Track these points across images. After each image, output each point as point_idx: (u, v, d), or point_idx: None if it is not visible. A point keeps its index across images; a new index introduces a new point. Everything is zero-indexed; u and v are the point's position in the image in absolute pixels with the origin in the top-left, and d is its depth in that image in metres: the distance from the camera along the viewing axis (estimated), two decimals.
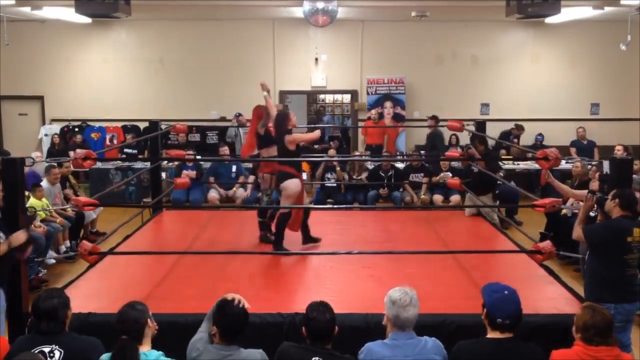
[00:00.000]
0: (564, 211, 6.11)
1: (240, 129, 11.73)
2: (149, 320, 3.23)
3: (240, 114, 11.38)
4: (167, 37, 12.57)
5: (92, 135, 12.43)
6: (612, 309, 4.15)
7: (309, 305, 3.31)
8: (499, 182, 8.11)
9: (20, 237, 4.49)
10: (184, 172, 9.90)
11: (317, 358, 3.15)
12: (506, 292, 3.24)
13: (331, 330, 3.25)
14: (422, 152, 11.71)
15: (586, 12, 10.50)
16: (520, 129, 12.04)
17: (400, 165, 10.71)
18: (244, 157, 6.34)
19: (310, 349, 3.22)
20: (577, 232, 4.58)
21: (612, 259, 4.34)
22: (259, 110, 6.51)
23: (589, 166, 7.49)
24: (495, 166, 8.44)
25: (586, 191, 6.09)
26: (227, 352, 3.23)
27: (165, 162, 10.10)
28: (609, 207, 4.49)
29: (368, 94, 12.42)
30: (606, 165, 7.24)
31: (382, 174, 10.22)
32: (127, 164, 11.10)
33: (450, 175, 9.91)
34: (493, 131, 10.19)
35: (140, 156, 11.84)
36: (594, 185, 5.67)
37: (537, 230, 8.01)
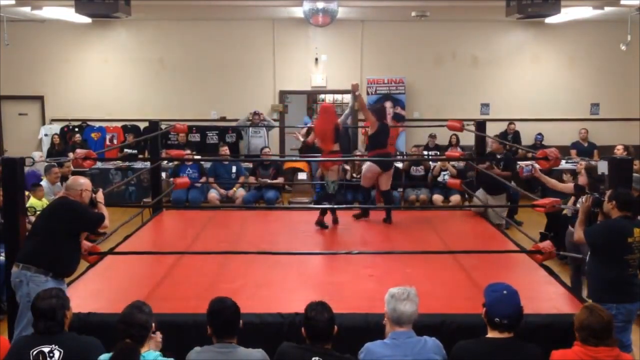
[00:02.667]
0: (565, 211, 6.12)
1: (250, 128, 11.79)
2: (153, 324, 3.23)
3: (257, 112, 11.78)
4: (167, 37, 12.57)
5: (92, 135, 12.43)
6: (614, 309, 4.15)
7: (307, 305, 3.31)
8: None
9: (101, 194, 4.88)
10: (182, 175, 9.80)
11: (316, 358, 3.15)
12: (505, 292, 3.24)
13: (330, 330, 3.25)
14: (426, 152, 11.69)
15: (586, 12, 10.50)
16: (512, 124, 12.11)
17: (399, 165, 10.70)
18: (328, 151, 7.07)
19: (309, 349, 3.22)
20: (579, 234, 4.58)
21: (613, 259, 4.34)
22: (333, 109, 7.37)
23: (581, 162, 7.50)
24: (514, 168, 8.52)
25: (572, 184, 6.10)
26: (226, 349, 3.23)
27: (165, 162, 10.09)
28: (607, 208, 4.49)
29: (368, 94, 12.42)
30: (602, 165, 7.24)
31: None
32: (127, 163, 11.10)
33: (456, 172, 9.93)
34: (493, 131, 10.18)
35: (140, 156, 11.85)
36: (581, 179, 5.68)
37: (537, 230, 8.01)
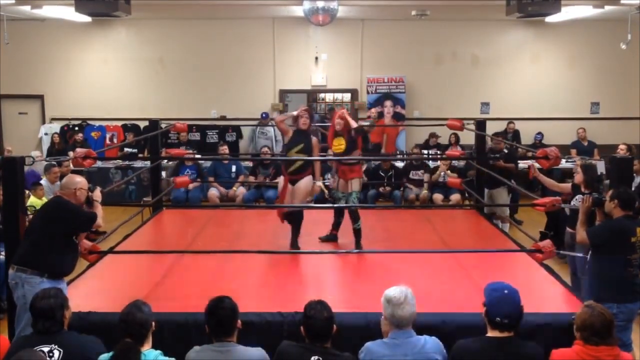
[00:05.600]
0: (566, 210, 6.11)
1: (258, 128, 11.73)
2: (153, 322, 3.23)
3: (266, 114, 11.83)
4: (167, 36, 12.57)
5: (92, 134, 12.43)
6: (615, 308, 4.16)
7: (307, 304, 3.31)
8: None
9: (98, 193, 4.78)
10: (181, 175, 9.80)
11: (316, 357, 3.15)
12: (506, 291, 3.24)
13: (329, 329, 3.24)
14: (425, 151, 11.71)
15: (586, 11, 10.49)
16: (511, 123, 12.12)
17: (400, 164, 10.71)
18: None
19: (309, 348, 3.22)
20: (581, 235, 4.57)
21: (616, 259, 4.34)
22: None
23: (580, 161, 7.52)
24: (516, 162, 8.69)
25: (569, 184, 6.08)
26: (225, 348, 3.23)
27: (165, 161, 10.09)
28: (609, 208, 4.49)
29: (368, 92, 12.42)
30: (600, 165, 7.22)
31: (382, 174, 10.22)
32: (127, 163, 11.10)
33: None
34: (493, 130, 10.17)
35: (140, 155, 11.84)
36: (577, 178, 5.66)
37: (537, 229, 8.02)
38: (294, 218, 6.02)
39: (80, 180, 4.57)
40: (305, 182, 5.99)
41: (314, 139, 6.08)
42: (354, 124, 6.07)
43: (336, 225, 6.44)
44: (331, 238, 6.40)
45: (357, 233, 6.16)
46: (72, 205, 4.46)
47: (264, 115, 11.87)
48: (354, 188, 6.19)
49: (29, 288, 4.20)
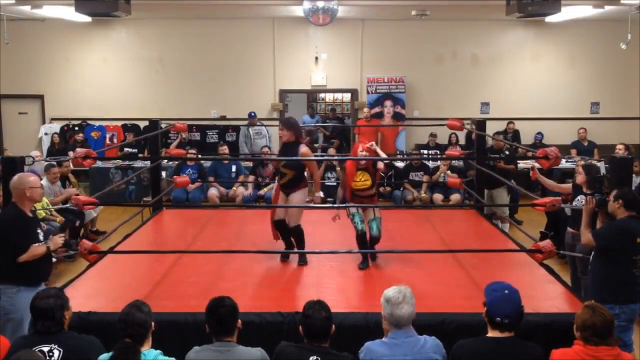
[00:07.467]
0: (567, 210, 6.10)
1: (251, 130, 11.69)
2: (152, 323, 3.23)
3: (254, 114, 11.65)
4: (167, 36, 12.57)
5: (92, 134, 12.44)
6: (617, 308, 4.17)
7: (305, 304, 3.31)
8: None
9: (58, 241, 4.56)
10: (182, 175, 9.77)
11: (314, 357, 3.15)
12: (506, 291, 3.24)
13: (327, 329, 3.24)
14: (425, 151, 11.71)
15: (586, 11, 10.49)
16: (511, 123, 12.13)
17: (400, 165, 10.71)
18: None
19: (307, 348, 3.22)
20: (587, 237, 4.55)
21: (621, 260, 4.34)
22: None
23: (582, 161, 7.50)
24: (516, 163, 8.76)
25: (570, 185, 6.07)
26: (225, 348, 3.23)
27: (165, 161, 10.09)
28: (612, 208, 4.47)
29: (368, 93, 12.42)
30: (602, 166, 7.20)
31: (382, 174, 10.21)
32: (127, 162, 11.10)
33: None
34: (493, 130, 10.18)
35: (140, 155, 11.85)
36: (579, 178, 5.63)
37: (537, 230, 8.01)
38: (294, 235, 5.77)
39: (31, 180, 4.43)
40: (298, 197, 5.72)
41: (303, 150, 5.62)
42: (383, 157, 5.94)
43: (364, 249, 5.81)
44: (366, 263, 5.67)
45: (373, 245, 5.71)
46: (8, 226, 4.34)
47: (252, 114, 11.74)
48: (377, 214, 5.77)
49: (6, 299, 4.20)
